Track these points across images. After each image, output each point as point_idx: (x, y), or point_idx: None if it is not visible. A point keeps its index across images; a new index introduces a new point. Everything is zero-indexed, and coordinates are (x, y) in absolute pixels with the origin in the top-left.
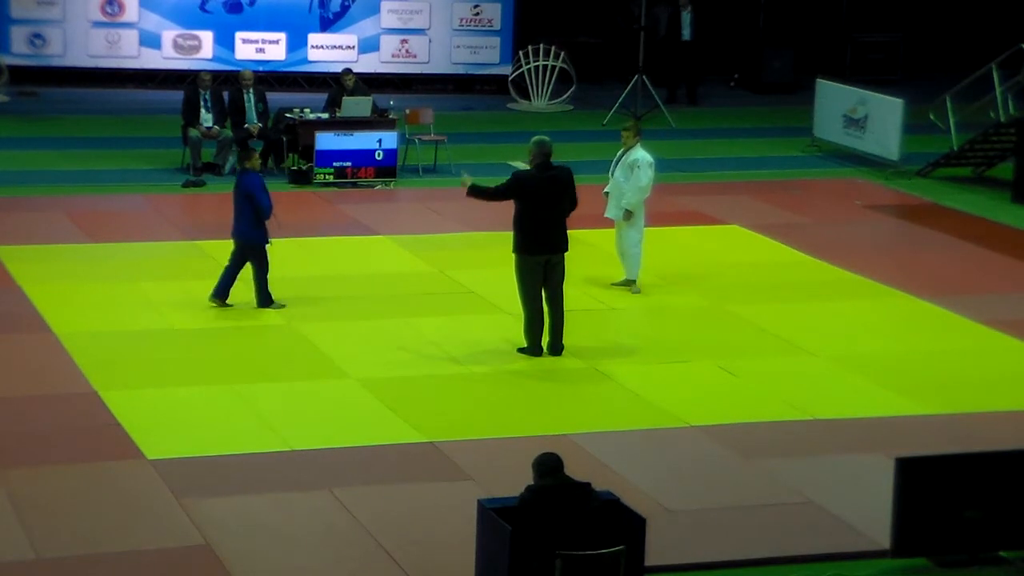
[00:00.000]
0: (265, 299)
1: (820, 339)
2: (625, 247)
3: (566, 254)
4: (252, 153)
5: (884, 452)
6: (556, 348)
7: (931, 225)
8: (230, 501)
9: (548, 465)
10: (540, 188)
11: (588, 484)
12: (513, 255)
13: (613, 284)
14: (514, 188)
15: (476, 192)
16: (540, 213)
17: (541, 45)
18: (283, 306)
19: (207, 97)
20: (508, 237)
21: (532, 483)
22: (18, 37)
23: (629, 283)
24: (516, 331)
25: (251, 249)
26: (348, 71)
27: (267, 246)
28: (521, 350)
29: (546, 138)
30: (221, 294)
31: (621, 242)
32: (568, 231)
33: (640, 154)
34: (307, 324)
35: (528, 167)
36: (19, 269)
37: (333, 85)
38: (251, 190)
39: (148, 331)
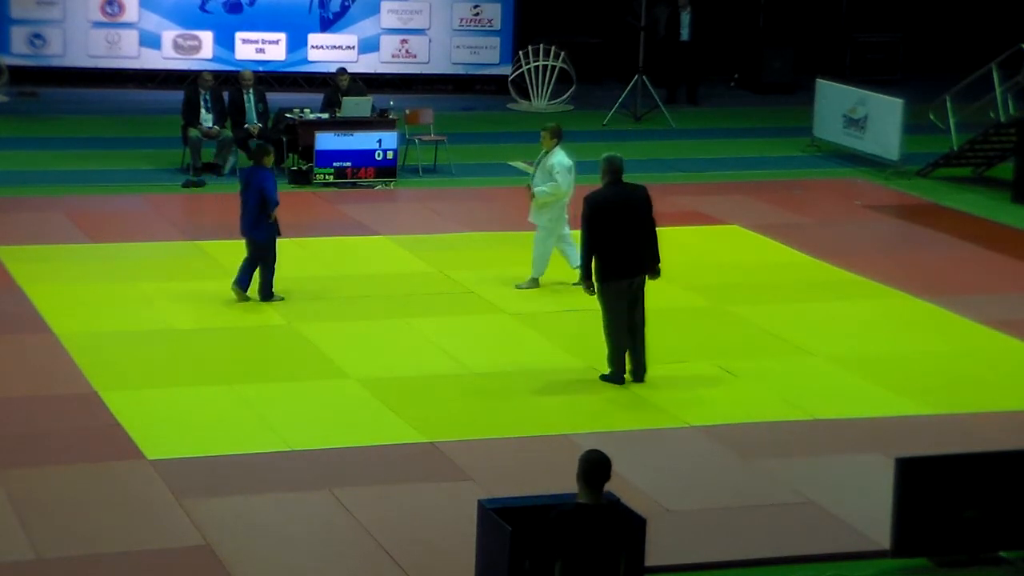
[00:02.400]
0: (267, 294)
1: (820, 339)
2: (561, 247)
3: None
4: (270, 150)
5: (884, 452)
6: (639, 374)
7: (931, 225)
8: (230, 501)
9: (591, 465)
10: (613, 207)
11: (618, 502)
12: (596, 283)
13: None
14: (588, 214)
15: (584, 273)
16: (617, 234)
17: (541, 45)
18: (282, 299)
19: (207, 97)
20: (508, 237)
21: (561, 506)
22: (18, 37)
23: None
24: (516, 331)
25: (255, 246)
26: (343, 71)
27: (275, 241)
28: (604, 377)
29: (616, 154)
30: (241, 284)
31: (543, 245)
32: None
33: (557, 158)
34: (307, 324)
35: (528, 167)
36: (19, 269)
37: (333, 85)
38: (263, 184)
39: (148, 331)
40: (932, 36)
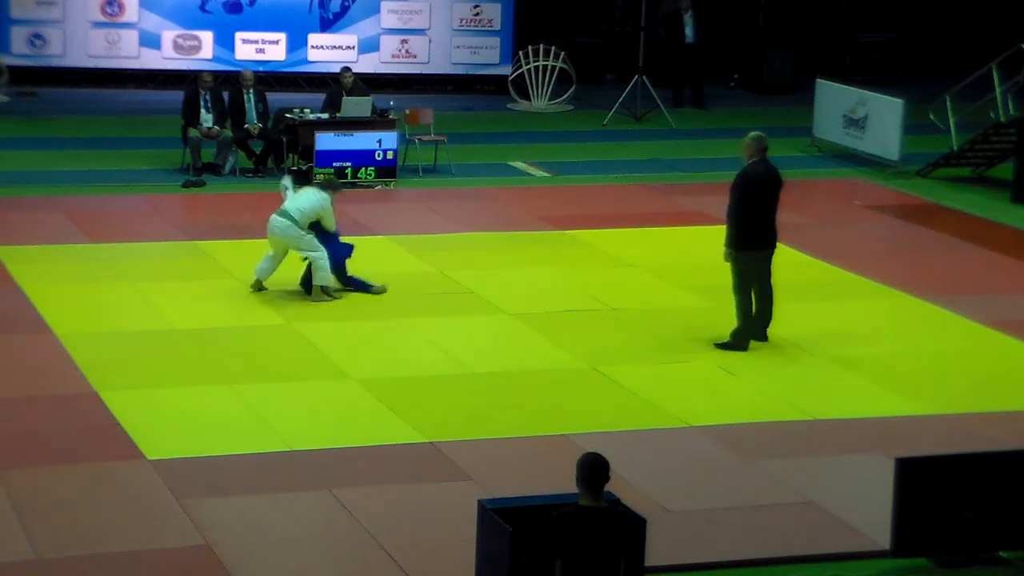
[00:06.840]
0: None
1: (820, 339)
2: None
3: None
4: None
5: (884, 452)
6: (763, 333)
7: (931, 225)
8: (230, 501)
9: (590, 468)
10: (765, 182)
11: (618, 503)
12: (733, 252)
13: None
14: (744, 186)
15: (732, 240)
16: (763, 207)
17: (541, 45)
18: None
19: (207, 97)
20: (507, 237)
21: (561, 508)
22: (18, 37)
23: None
24: (516, 331)
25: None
26: (347, 69)
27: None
28: (722, 345)
29: (763, 134)
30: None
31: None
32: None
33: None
34: (307, 324)
35: (529, 167)
36: (19, 269)
37: (332, 85)
38: None
39: (148, 331)
40: (932, 36)
